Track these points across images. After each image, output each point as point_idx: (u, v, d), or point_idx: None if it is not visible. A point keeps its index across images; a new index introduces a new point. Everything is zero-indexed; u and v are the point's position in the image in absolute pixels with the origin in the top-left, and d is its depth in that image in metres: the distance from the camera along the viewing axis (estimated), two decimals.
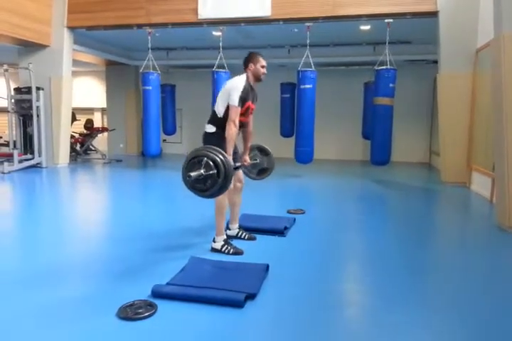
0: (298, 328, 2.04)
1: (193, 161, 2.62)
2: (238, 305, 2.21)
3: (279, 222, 3.88)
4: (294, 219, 4.10)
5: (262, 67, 3.17)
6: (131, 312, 2.09)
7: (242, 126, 3.24)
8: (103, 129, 10.83)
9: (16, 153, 7.54)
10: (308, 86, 6.86)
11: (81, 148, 10.17)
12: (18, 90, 8.07)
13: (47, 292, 2.41)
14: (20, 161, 7.67)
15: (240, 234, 3.47)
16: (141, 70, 7.68)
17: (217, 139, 3.06)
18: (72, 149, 9.51)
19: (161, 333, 1.97)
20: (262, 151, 3.79)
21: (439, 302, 2.39)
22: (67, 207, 5.09)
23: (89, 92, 13.23)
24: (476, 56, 6.12)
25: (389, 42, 6.57)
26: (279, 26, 7.17)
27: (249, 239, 3.46)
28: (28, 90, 7.83)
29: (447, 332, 2.04)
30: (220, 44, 7.23)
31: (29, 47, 7.87)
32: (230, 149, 3.00)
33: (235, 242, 3.27)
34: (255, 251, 3.17)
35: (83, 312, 2.18)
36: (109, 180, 7.62)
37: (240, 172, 3.41)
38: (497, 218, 4.10)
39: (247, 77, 3.15)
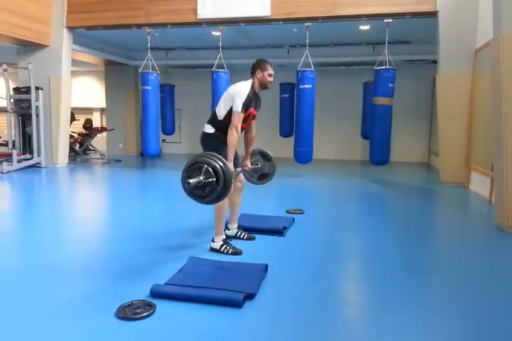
0: (297, 328, 2.04)
1: (193, 167, 2.61)
2: (237, 305, 2.21)
3: (278, 221, 3.87)
4: (293, 219, 4.09)
5: (269, 75, 3.17)
6: (129, 312, 2.09)
7: (242, 131, 3.23)
8: (102, 129, 10.83)
9: (14, 152, 7.53)
10: (307, 86, 6.86)
11: (80, 148, 10.16)
12: (17, 90, 8.06)
13: (46, 292, 2.41)
14: (19, 161, 7.67)
15: (238, 234, 3.47)
16: (140, 70, 7.67)
17: (215, 141, 3.08)
18: (71, 149, 9.50)
19: (160, 333, 1.96)
20: (265, 156, 3.78)
21: (439, 302, 2.39)
22: (66, 207, 5.08)
23: (88, 92, 13.22)
24: (475, 56, 6.13)
25: (388, 42, 6.57)
26: (279, 26, 7.17)
27: (248, 239, 3.45)
28: (27, 90, 7.83)
29: (447, 332, 2.04)
30: (220, 44, 7.23)
31: (28, 47, 7.87)
32: (231, 155, 3.00)
33: (233, 242, 3.27)
34: (254, 251, 3.17)
35: (82, 312, 2.17)
36: (108, 180, 7.61)
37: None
38: (496, 218, 4.11)
39: (253, 84, 3.14)
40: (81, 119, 11.18)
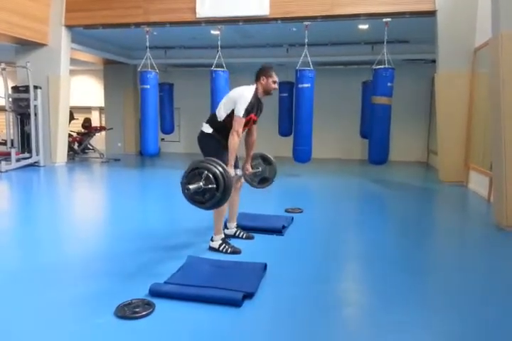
0: (296, 327, 2.04)
1: (194, 173, 2.61)
2: (236, 304, 2.21)
3: (277, 220, 3.88)
4: (292, 218, 4.09)
5: (274, 82, 3.17)
6: (128, 311, 2.09)
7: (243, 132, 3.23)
8: (101, 128, 10.82)
9: (13, 151, 7.51)
10: (306, 85, 6.86)
11: (79, 147, 10.14)
12: (15, 89, 8.04)
13: (45, 291, 2.41)
14: (18, 160, 7.65)
15: (237, 233, 3.47)
16: (139, 69, 7.66)
17: (213, 141, 3.11)
18: (70, 148, 9.48)
19: (159, 332, 1.96)
20: (266, 160, 3.79)
21: (438, 302, 2.40)
22: (64, 207, 5.08)
23: (87, 91, 13.21)
24: (474, 55, 6.13)
25: (387, 42, 6.57)
26: (277, 25, 7.16)
27: (247, 238, 3.45)
28: (26, 89, 7.81)
29: (447, 332, 2.04)
30: (219, 43, 7.22)
31: (27, 45, 7.85)
32: (232, 160, 3.01)
33: (232, 241, 3.27)
34: (253, 250, 3.17)
35: (81, 311, 2.17)
36: (107, 179, 7.61)
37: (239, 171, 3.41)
38: (495, 217, 4.11)
39: (256, 90, 3.15)
40: (80, 118, 11.17)
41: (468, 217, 4.90)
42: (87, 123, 10.92)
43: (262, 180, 3.82)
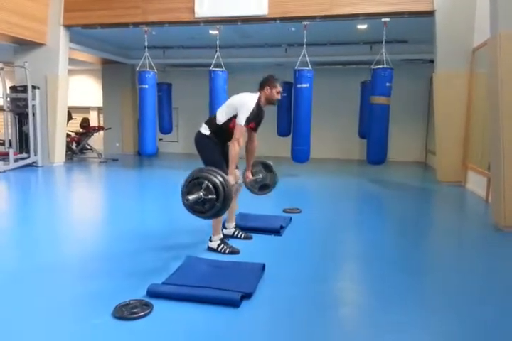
0: (294, 328, 2.04)
1: (194, 183, 2.60)
2: (234, 304, 2.21)
3: (275, 221, 3.87)
4: (290, 219, 4.09)
5: (278, 92, 3.18)
6: (126, 312, 2.09)
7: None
8: (99, 128, 10.79)
9: (11, 152, 7.49)
10: (305, 85, 6.85)
11: (77, 147, 10.12)
12: (13, 89, 8.02)
13: (43, 291, 2.41)
14: (16, 160, 7.63)
15: (236, 233, 3.47)
16: (137, 69, 7.65)
17: (210, 143, 3.13)
18: (68, 148, 9.46)
19: (157, 333, 1.96)
20: (266, 167, 3.80)
21: (437, 302, 2.40)
22: (62, 207, 5.07)
23: (85, 91, 13.17)
24: (472, 55, 6.13)
25: (385, 42, 6.56)
26: (276, 25, 7.16)
27: (246, 238, 3.45)
28: (24, 89, 7.79)
29: (445, 332, 2.04)
30: (217, 43, 7.22)
31: (25, 45, 7.83)
32: (233, 168, 3.03)
33: (231, 241, 3.27)
34: (251, 250, 3.17)
35: (79, 312, 2.17)
36: (105, 179, 7.59)
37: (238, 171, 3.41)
38: (493, 217, 4.11)
39: (259, 98, 3.15)
40: (78, 118, 11.14)
41: (466, 217, 4.91)
42: (85, 123, 10.90)
43: (263, 187, 3.83)
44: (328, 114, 10.32)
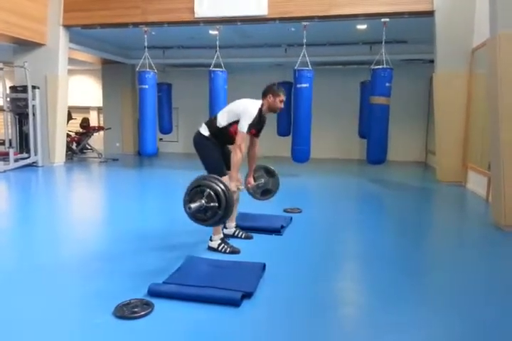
0: (294, 327, 2.04)
1: (195, 190, 2.60)
2: (235, 303, 2.21)
3: (275, 220, 3.88)
4: (291, 218, 4.10)
5: (281, 101, 3.18)
6: (127, 311, 2.09)
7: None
8: (99, 128, 10.79)
9: (11, 151, 7.50)
10: (304, 85, 6.86)
11: (77, 147, 10.12)
12: (13, 89, 8.03)
13: (43, 291, 2.41)
14: (16, 160, 7.63)
15: (236, 232, 3.47)
16: (137, 69, 7.65)
17: (208, 144, 3.15)
18: (68, 148, 9.46)
19: (158, 332, 1.96)
20: (269, 172, 3.82)
21: (437, 301, 2.40)
22: (63, 207, 5.07)
23: (85, 91, 13.19)
24: (472, 55, 6.14)
25: (385, 42, 6.57)
26: (276, 25, 7.16)
27: (246, 237, 3.46)
28: (24, 89, 7.79)
29: (446, 332, 2.04)
30: (217, 43, 7.22)
31: (25, 45, 7.83)
32: (235, 174, 3.05)
33: (231, 241, 3.28)
34: (252, 249, 3.18)
35: (80, 311, 2.17)
36: (106, 179, 7.60)
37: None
38: (493, 217, 4.12)
39: (262, 106, 3.16)
40: (78, 118, 11.15)
41: (466, 216, 4.92)
42: (85, 123, 10.89)
43: (265, 192, 3.86)
44: (328, 114, 10.33)
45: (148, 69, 7.41)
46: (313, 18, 6.74)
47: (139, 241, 3.39)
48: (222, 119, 3.14)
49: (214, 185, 2.59)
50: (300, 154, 7.24)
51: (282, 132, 9.39)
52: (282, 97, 3.18)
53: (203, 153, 3.19)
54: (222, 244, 3.11)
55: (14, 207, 5.08)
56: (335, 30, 7.86)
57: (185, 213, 2.61)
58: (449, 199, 5.70)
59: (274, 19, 6.88)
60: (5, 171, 7.19)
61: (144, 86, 7.48)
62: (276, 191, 3.86)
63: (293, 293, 2.42)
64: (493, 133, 4.01)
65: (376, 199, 5.74)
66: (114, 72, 10.91)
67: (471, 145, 6.15)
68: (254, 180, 3.59)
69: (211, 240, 3.15)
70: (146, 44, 7.37)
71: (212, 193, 2.55)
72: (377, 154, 6.85)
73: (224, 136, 3.15)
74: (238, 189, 3.14)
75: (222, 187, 2.59)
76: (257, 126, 3.19)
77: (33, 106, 7.81)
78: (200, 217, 2.61)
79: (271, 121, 9.44)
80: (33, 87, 7.79)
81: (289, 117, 8.64)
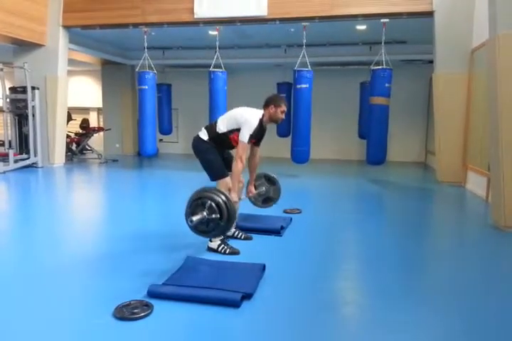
0: (295, 328, 2.04)
1: (197, 203, 2.60)
2: (234, 304, 2.21)
3: (275, 221, 3.88)
4: (291, 219, 4.10)
5: (282, 112, 3.21)
6: (127, 312, 2.09)
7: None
8: (99, 129, 10.79)
9: (11, 152, 7.50)
10: (304, 85, 6.87)
11: (77, 148, 10.12)
12: (13, 90, 8.03)
13: (43, 292, 2.41)
14: (16, 161, 7.63)
15: (236, 233, 3.47)
16: (137, 70, 7.66)
17: (208, 147, 3.16)
18: (68, 149, 9.47)
19: (157, 333, 1.96)
20: (269, 180, 3.84)
21: (437, 301, 2.40)
22: (63, 207, 5.07)
23: (84, 92, 13.17)
24: (471, 56, 6.15)
25: (385, 42, 6.58)
26: (275, 26, 7.17)
27: (246, 238, 3.46)
28: (24, 90, 7.79)
29: (446, 332, 2.04)
30: (217, 43, 7.22)
31: (24, 46, 7.83)
32: (236, 185, 3.07)
33: (231, 242, 3.27)
34: (252, 250, 3.17)
35: (79, 312, 2.17)
36: (106, 180, 7.60)
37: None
38: (492, 217, 4.12)
39: (263, 116, 3.18)
40: (78, 119, 11.15)
41: (466, 217, 4.91)
42: (84, 124, 10.91)
43: (266, 200, 3.89)
44: (328, 115, 10.33)
45: (147, 70, 7.41)
46: (312, 19, 6.75)
47: (138, 242, 3.38)
48: (223, 125, 3.16)
49: (215, 196, 2.58)
50: (300, 155, 7.24)
51: (282, 133, 9.39)
52: (284, 108, 3.21)
53: (202, 156, 3.20)
54: (222, 245, 3.11)
55: (14, 207, 5.08)
56: (334, 31, 7.87)
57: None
58: (449, 200, 5.70)
59: (274, 20, 6.89)
60: (4, 172, 7.18)
61: (143, 86, 7.48)
62: (278, 199, 3.90)
63: (293, 294, 2.42)
64: (493, 133, 4.01)
65: (376, 200, 5.74)
66: (114, 72, 10.92)
67: (470, 146, 6.15)
68: (256, 189, 3.61)
69: (211, 241, 3.15)
70: (145, 45, 7.38)
71: (213, 205, 2.54)
72: (376, 155, 6.86)
73: (223, 142, 3.18)
74: (240, 198, 3.15)
75: (224, 198, 2.59)
76: (257, 136, 3.21)
77: (33, 107, 7.82)
78: (201, 228, 2.61)
79: None
80: (33, 88, 7.79)
81: (289, 118, 8.65)
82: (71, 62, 8.92)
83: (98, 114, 13.56)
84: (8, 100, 8.00)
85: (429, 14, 6.31)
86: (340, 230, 4.00)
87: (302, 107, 6.97)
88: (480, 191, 5.53)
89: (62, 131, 8.33)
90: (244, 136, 3.03)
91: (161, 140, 10.92)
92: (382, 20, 6.47)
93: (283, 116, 3.22)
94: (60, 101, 8.06)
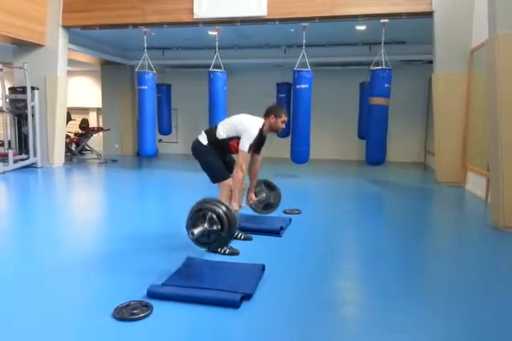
0: (294, 328, 2.04)
1: (197, 215, 2.60)
2: (234, 305, 2.21)
3: (275, 222, 3.88)
4: (290, 219, 4.10)
5: (282, 122, 3.24)
6: (126, 313, 2.09)
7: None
8: (98, 129, 10.78)
9: (10, 153, 7.49)
10: (304, 86, 6.87)
11: (76, 148, 10.12)
12: (12, 90, 8.02)
13: (42, 292, 2.40)
14: (15, 161, 7.63)
15: (236, 234, 3.46)
16: (136, 70, 7.65)
17: (208, 150, 3.18)
18: (68, 149, 9.46)
19: (157, 334, 1.96)
20: (269, 186, 3.86)
21: (437, 301, 2.40)
22: (62, 208, 5.06)
23: (84, 92, 13.17)
24: (471, 56, 6.15)
25: (384, 43, 6.58)
26: (275, 26, 7.17)
27: (246, 239, 3.45)
28: (23, 90, 7.79)
29: (446, 332, 2.04)
30: (216, 44, 7.22)
31: (24, 46, 7.83)
32: (238, 196, 3.10)
33: (231, 242, 3.27)
34: (251, 251, 3.17)
35: (79, 313, 2.17)
36: (105, 181, 7.59)
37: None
38: (492, 217, 4.12)
39: (263, 125, 3.20)
40: (77, 119, 11.15)
41: (465, 217, 4.92)
42: (84, 124, 10.90)
43: (266, 206, 3.90)
44: (328, 115, 10.34)
45: (147, 70, 7.41)
46: (312, 19, 6.75)
47: (138, 243, 3.38)
48: (223, 131, 3.18)
49: (215, 207, 2.57)
50: (299, 155, 7.24)
51: (281, 133, 9.34)
52: (284, 118, 3.24)
53: (202, 158, 3.21)
54: None
55: (14, 208, 5.07)
56: (334, 31, 7.87)
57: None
58: (448, 200, 5.71)
59: (273, 20, 6.89)
60: (4, 172, 7.18)
61: (143, 87, 7.48)
62: (278, 204, 3.92)
63: (292, 294, 2.42)
64: (492, 133, 4.02)
65: (375, 200, 5.74)
66: (114, 72, 10.92)
67: (470, 146, 6.15)
68: (256, 196, 3.63)
69: None
70: (145, 45, 7.38)
71: (214, 216, 2.54)
72: (376, 155, 6.86)
73: (223, 147, 3.21)
74: (240, 206, 3.16)
75: (224, 209, 2.58)
76: (257, 145, 3.24)
77: (32, 107, 7.81)
78: (203, 240, 2.60)
79: None
80: (32, 88, 7.79)
81: (289, 118, 8.65)
82: (71, 62, 8.92)
83: (97, 114, 13.56)
84: (7, 100, 8.00)
85: (429, 14, 6.31)
86: (340, 230, 4.00)
87: (302, 107, 6.97)
88: (479, 191, 5.54)
89: (61, 131, 8.33)
90: (245, 146, 3.05)
91: (160, 140, 10.91)
92: (381, 21, 6.47)
93: (283, 126, 3.25)
94: (59, 102, 8.06)
